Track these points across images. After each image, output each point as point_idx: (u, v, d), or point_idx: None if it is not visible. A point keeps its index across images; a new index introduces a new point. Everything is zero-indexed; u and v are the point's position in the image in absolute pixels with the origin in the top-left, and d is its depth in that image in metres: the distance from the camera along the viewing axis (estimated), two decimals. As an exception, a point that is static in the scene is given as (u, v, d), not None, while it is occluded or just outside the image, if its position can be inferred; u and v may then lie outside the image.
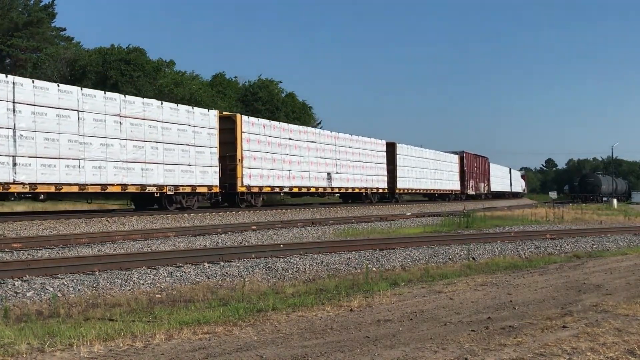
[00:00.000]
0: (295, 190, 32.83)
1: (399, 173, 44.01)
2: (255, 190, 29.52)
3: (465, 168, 58.14)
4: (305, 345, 6.08)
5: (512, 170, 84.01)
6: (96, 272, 10.67)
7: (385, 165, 42.19)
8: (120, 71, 42.91)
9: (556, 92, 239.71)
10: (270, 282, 10.62)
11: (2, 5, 48.00)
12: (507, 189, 79.69)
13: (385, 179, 42.14)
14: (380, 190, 41.59)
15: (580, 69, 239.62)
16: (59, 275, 10.22)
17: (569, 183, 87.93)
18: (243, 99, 54.60)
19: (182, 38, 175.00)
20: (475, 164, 61.97)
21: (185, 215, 24.09)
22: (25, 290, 9.19)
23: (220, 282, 10.46)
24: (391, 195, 43.58)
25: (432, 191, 51.30)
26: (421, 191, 49.81)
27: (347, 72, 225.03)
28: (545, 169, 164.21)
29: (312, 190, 34.37)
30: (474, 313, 7.62)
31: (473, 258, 13.94)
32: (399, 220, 26.77)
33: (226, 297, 9.00)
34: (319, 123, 65.17)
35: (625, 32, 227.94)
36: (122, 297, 9.01)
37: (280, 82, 58.41)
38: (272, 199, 38.67)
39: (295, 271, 11.70)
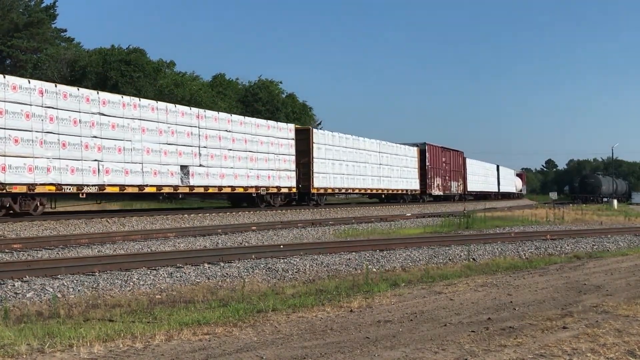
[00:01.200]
0: (113, 190, 22.52)
1: (316, 168, 33.75)
2: (20, 189, 19.47)
3: (427, 163, 48.05)
4: (305, 346, 6.07)
5: (500, 168, 73.92)
6: (96, 273, 10.67)
7: (293, 157, 32.55)
8: (120, 72, 42.93)
9: (556, 92, 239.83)
10: (271, 282, 10.62)
11: (2, 6, 48.01)
12: (493, 189, 69.93)
13: (294, 174, 32.54)
14: (285, 190, 31.90)
15: (581, 69, 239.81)
16: (59, 276, 10.22)
17: (569, 184, 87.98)
18: (243, 100, 54.63)
19: (182, 39, 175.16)
20: (443, 159, 51.89)
21: (185, 215, 24.08)
22: (25, 291, 9.19)
23: (220, 282, 10.46)
24: (306, 195, 33.89)
25: (375, 191, 41.29)
26: (357, 191, 39.74)
27: (347, 72, 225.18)
28: (545, 169, 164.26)
29: (150, 190, 23.99)
30: (474, 314, 7.61)
31: (473, 259, 13.94)
32: (399, 221, 26.79)
33: (226, 297, 9.00)
34: (319, 123, 65.20)
35: (626, 32, 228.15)
36: (122, 297, 9.01)
37: (281, 82, 58.52)
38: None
39: (296, 272, 11.70)
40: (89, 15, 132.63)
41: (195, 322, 7.11)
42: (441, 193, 50.93)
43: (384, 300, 8.61)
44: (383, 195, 43.35)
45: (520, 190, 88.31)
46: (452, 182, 53.67)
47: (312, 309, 8.02)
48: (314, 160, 33.88)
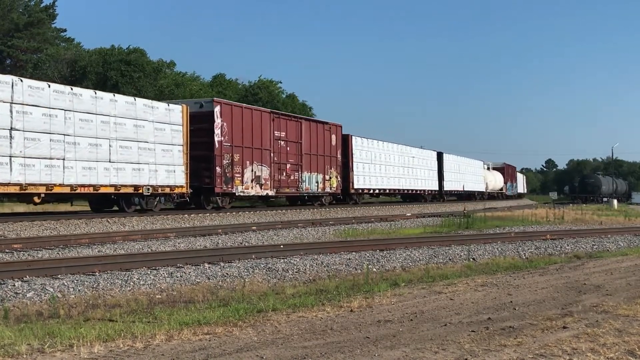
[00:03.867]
0: None
1: None
2: None
3: (221, 138, 26.31)
4: (305, 345, 6.07)
5: (446, 156, 51.91)
6: (96, 273, 10.67)
7: None
8: (120, 72, 42.92)
9: (556, 92, 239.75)
10: (271, 282, 10.62)
11: (2, 6, 48.01)
12: (429, 186, 48.23)
13: None
14: None
15: (581, 70, 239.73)
16: (59, 276, 10.22)
17: (569, 184, 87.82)
18: (243, 100, 54.66)
19: (183, 39, 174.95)
20: (277, 134, 30.13)
21: (186, 215, 24.09)
22: (25, 290, 9.19)
23: (220, 282, 10.46)
24: None
25: (47, 189, 19.57)
26: None
27: (348, 72, 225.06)
28: (545, 169, 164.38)
29: None
30: (474, 314, 7.61)
31: (473, 259, 13.94)
32: (399, 221, 26.81)
33: (226, 297, 9.00)
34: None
35: (626, 32, 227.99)
36: (122, 297, 9.01)
37: (280, 82, 58.62)
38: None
39: (296, 272, 11.70)
40: (89, 15, 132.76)
41: (195, 322, 7.12)
42: (267, 192, 29.73)
43: (384, 300, 8.61)
44: (72, 200, 23.32)
45: (501, 189, 67.49)
46: (305, 175, 32.51)
47: (312, 308, 8.02)
48: None
